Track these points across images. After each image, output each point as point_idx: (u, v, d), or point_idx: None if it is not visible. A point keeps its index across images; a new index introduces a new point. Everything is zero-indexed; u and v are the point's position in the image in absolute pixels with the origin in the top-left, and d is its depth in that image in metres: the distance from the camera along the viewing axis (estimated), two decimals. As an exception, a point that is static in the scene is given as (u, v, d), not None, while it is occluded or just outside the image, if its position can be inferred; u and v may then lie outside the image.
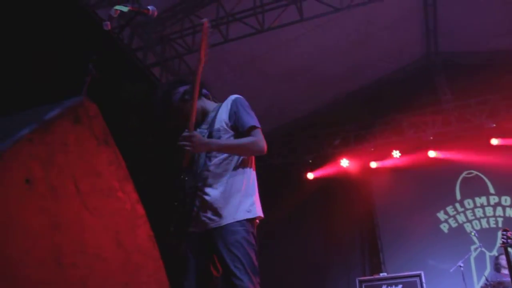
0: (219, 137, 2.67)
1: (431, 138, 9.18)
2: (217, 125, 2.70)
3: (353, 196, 9.55)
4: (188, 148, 2.50)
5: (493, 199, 9.02)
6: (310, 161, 9.87)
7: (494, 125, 8.82)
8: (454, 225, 9.15)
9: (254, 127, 2.66)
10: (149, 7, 2.79)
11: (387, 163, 9.66)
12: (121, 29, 6.22)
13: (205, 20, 2.63)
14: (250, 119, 2.69)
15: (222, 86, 7.04)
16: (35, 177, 0.90)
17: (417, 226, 9.05)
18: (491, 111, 8.79)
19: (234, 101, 2.76)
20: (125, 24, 2.72)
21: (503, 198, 8.93)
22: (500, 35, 8.47)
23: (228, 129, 2.70)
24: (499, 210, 8.92)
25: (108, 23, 2.84)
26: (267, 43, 7.38)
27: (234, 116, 2.70)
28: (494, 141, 8.94)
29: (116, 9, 2.68)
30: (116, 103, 5.84)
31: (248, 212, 2.57)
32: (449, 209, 9.26)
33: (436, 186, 9.26)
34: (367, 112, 9.41)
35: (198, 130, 2.72)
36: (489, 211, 9.00)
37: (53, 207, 0.94)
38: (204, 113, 2.83)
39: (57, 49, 4.93)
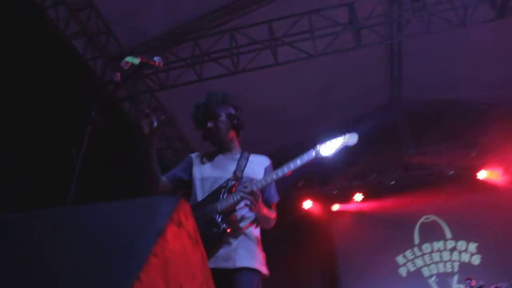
0: (245, 188, 2.62)
1: (392, 182, 9.41)
2: (251, 175, 2.68)
3: (314, 238, 9.58)
4: (249, 205, 2.48)
5: (450, 244, 9.28)
6: (274, 201, 9.84)
7: (452, 172, 9.16)
8: (412, 269, 9.32)
9: (276, 204, 2.77)
10: (155, 58, 2.73)
11: (349, 206, 9.80)
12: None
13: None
14: (276, 193, 2.79)
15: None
16: (158, 291, 0.88)
17: (376, 269, 9.16)
18: (450, 158, 9.14)
19: (270, 167, 2.81)
20: (130, 75, 2.64)
21: (459, 243, 9.22)
22: (459, 86, 8.89)
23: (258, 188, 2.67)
24: (456, 255, 9.17)
25: (119, 74, 2.76)
26: (239, 82, 7.38)
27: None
28: (451, 188, 9.25)
29: (127, 61, 2.62)
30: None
31: (262, 265, 2.58)
32: (408, 253, 9.44)
33: (396, 230, 9.46)
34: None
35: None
36: (446, 255, 9.24)
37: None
38: (229, 146, 2.83)
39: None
